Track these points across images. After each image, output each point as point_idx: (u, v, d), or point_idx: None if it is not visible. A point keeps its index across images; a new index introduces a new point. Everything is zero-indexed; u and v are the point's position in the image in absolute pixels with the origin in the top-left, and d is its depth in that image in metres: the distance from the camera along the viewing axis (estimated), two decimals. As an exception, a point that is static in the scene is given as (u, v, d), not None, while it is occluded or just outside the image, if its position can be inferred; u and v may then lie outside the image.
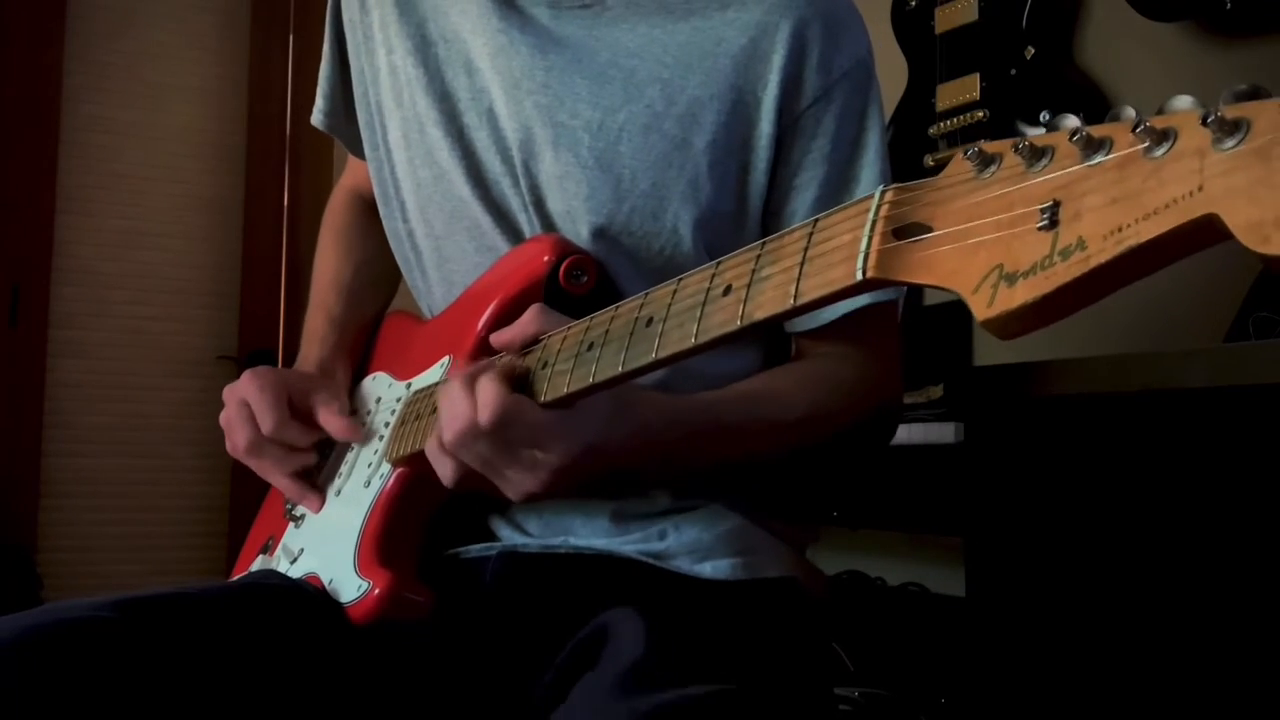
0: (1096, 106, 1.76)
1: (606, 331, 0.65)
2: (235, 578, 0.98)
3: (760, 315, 0.54)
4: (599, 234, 0.83)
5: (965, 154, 0.45)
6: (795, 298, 0.52)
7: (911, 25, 1.95)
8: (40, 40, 3.01)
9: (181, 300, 3.16)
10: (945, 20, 1.88)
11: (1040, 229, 0.40)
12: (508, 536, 0.86)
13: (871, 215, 0.48)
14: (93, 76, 3.09)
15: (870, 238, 0.48)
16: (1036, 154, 0.42)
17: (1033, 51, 1.76)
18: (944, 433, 1.43)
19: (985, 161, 0.44)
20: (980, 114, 1.81)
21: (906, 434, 1.47)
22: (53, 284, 2.99)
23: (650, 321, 0.61)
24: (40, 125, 2.99)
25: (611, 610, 0.71)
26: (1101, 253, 0.38)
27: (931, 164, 1.88)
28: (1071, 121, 0.42)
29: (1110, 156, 0.39)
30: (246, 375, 0.91)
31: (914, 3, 1.95)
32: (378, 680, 0.80)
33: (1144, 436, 1.11)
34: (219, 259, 3.21)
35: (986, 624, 1.25)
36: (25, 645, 0.67)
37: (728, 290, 0.56)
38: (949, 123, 1.86)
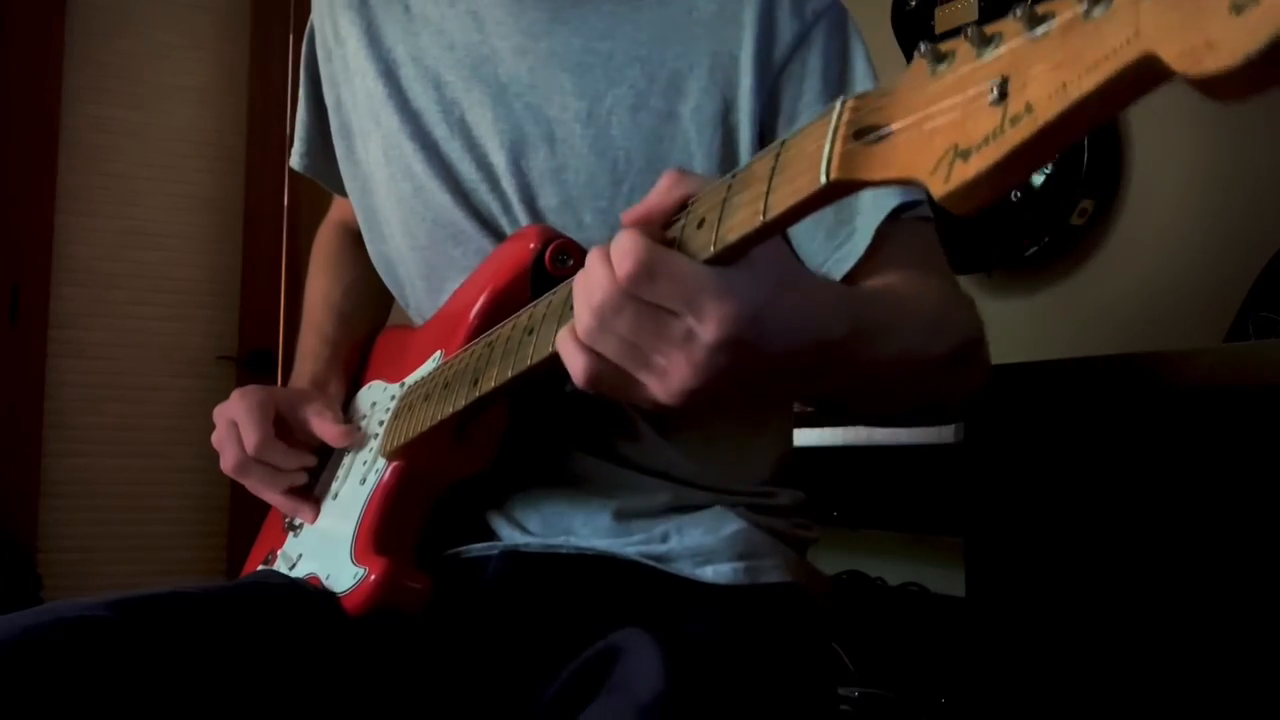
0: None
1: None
2: None
3: (733, 237, 0.54)
4: (601, 219, 0.85)
5: (920, 52, 0.46)
6: (764, 213, 0.52)
7: (911, 25, 1.95)
8: (40, 40, 3.01)
9: (181, 300, 3.16)
10: (945, 20, 1.88)
11: (991, 104, 0.42)
12: (508, 536, 0.86)
13: (833, 124, 0.49)
14: (93, 76, 3.09)
15: (833, 144, 0.49)
16: (985, 40, 0.43)
17: (1033, 51, 1.75)
18: (944, 433, 1.43)
19: (939, 57, 0.46)
20: (980, 114, 1.81)
21: (907, 434, 1.47)
22: (53, 284, 2.99)
23: None
24: (40, 125, 2.99)
25: (620, 631, 0.70)
26: (1048, 111, 0.40)
27: (931, 164, 1.88)
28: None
29: (1053, 25, 0.41)
30: (235, 395, 0.92)
31: (914, 3, 1.95)
32: (378, 680, 0.80)
33: (1144, 436, 1.10)
34: (219, 259, 3.21)
35: (986, 624, 1.25)
36: (24, 645, 0.67)
37: (701, 224, 0.56)
38: (949, 123, 1.85)
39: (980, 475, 1.28)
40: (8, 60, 2.95)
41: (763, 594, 0.82)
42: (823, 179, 0.49)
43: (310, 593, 0.84)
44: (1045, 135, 0.40)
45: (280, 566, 0.94)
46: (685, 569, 0.82)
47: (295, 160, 1.08)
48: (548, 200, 0.87)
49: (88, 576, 2.91)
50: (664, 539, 0.83)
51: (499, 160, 0.88)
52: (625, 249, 0.54)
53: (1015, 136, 0.40)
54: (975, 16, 1.82)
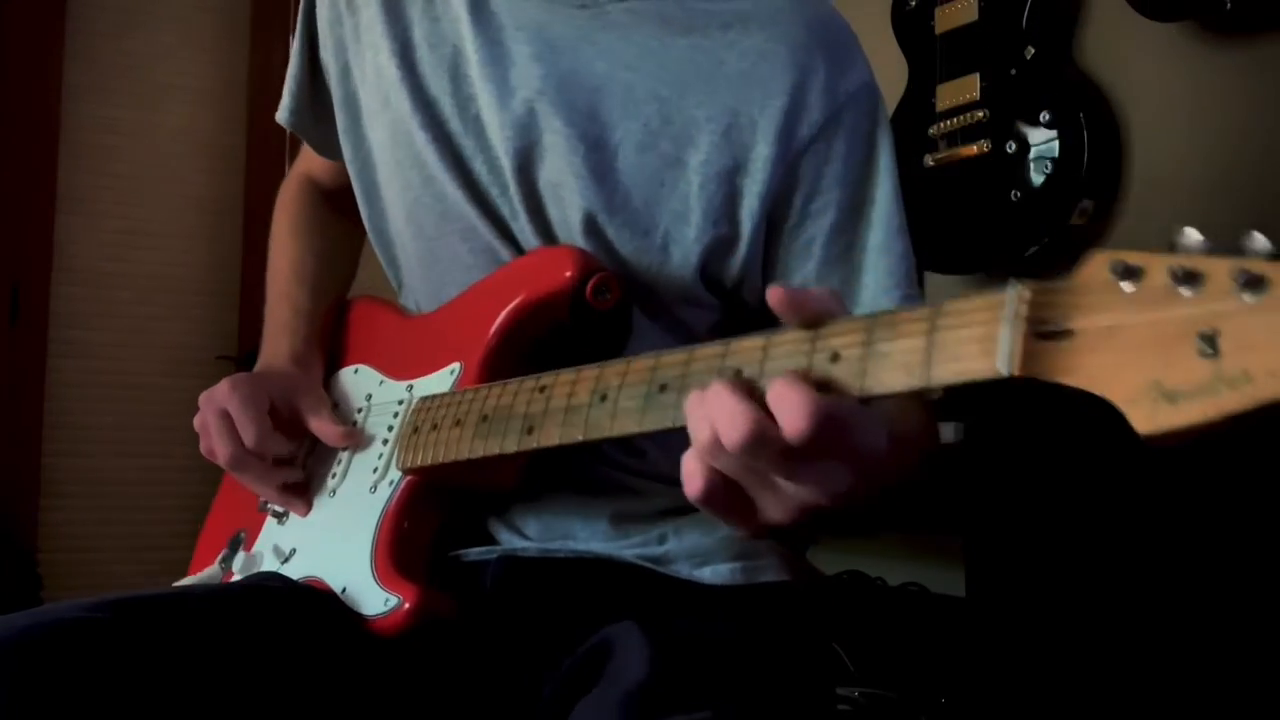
0: (1096, 107, 1.77)
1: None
2: (195, 572, 0.97)
3: (879, 390, 0.54)
4: (594, 245, 0.84)
5: (1110, 266, 0.46)
6: (927, 380, 0.52)
7: (911, 25, 1.95)
8: (40, 40, 3.00)
9: (181, 300, 3.16)
10: (945, 20, 1.88)
11: (1200, 355, 0.42)
12: (507, 540, 0.86)
13: (1009, 310, 0.49)
14: (93, 76, 3.08)
15: (1012, 334, 0.48)
16: (1189, 278, 0.43)
17: (1033, 51, 1.76)
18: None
19: (1128, 273, 0.45)
20: (980, 114, 1.81)
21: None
22: (53, 284, 2.99)
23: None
24: (40, 125, 2.99)
25: (613, 625, 0.71)
26: (1267, 390, 0.40)
27: (931, 163, 1.88)
28: (1196, 238, 0.43)
29: (1270, 294, 0.41)
30: (225, 383, 0.89)
31: (914, 3, 1.95)
32: (377, 683, 0.80)
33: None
34: (219, 259, 3.21)
35: (986, 624, 1.24)
36: (22, 646, 0.67)
37: (835, 357, 0.56)
38: (949, 123, 1.85)
39: (980, 475, 1.28)
40: (8, 60, 2.95)
41: (761, 593, 0.82)
42: (1005, 370, 0.48)
43: (311, 595, 0.84)
44: (1264, 410, 0.40)
45: (264, 557, 0.92)
46: (683, 570, 0.82)
47: (282, 115, 1.03)
48: (553, 212, 0.85)
49: (88, 576, 2.91)
50: (661, 541, 0.83)
51: (507, 165, 0.86)
52: (797, 405, 0.53)
53: (1233, 402, 0.41)
54: (975, 17, 1.82)
